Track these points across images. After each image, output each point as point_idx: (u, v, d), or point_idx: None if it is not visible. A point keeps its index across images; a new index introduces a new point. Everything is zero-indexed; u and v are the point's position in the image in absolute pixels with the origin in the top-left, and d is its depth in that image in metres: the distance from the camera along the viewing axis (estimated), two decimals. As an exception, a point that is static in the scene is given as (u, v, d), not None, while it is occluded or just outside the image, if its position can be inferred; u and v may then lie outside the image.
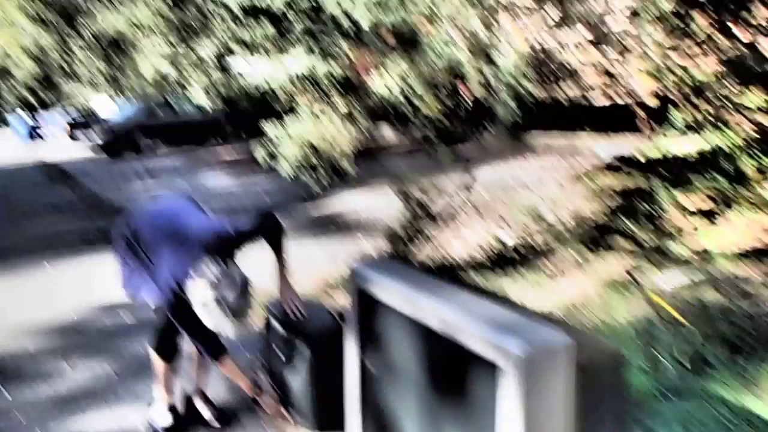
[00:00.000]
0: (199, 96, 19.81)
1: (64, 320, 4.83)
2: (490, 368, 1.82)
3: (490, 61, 3.13)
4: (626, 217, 5.44)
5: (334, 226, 7.15)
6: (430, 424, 2.21)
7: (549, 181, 8.05)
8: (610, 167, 8.04)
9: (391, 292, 2.31)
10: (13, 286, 5.77)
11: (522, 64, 2.92)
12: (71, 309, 5.03)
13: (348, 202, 7.96)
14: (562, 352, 1.81)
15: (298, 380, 3.09)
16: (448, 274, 4.96)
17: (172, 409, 3.28)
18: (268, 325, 3.36)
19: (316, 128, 4.00)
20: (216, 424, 3.25)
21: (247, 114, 20.04)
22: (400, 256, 5.01)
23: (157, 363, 3.25)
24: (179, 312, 2.82)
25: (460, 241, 5.75)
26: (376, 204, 7.91)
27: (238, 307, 2.67)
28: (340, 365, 3.04)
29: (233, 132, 19.34)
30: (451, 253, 5.44)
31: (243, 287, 2.71)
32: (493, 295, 2.24)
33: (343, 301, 4.64)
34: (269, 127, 4.27)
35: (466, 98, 3.70)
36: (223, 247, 2.83)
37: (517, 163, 9.50)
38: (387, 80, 3.38)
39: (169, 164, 14.30)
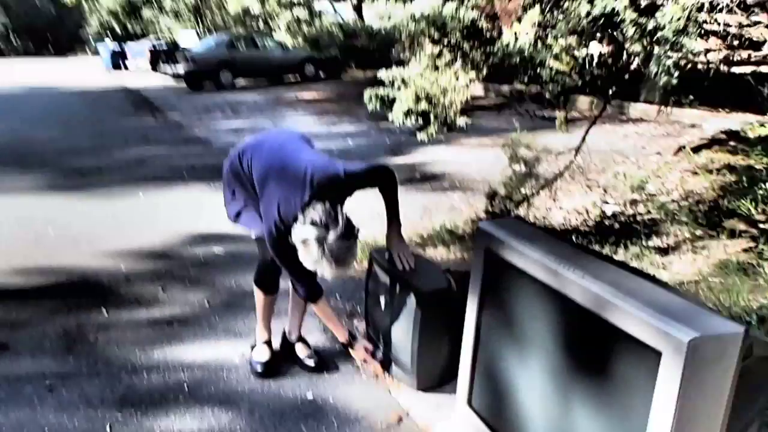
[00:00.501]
0: (283, 33, 19.77)
1: (155, 247, 4.85)
2: (648, 352, 1.66)
3: (650, 16, 2.85)
4: (740, 197, 5.08)
5: (424, 178, 6.97)
6: (557, 397, 2.06)
7: (651, 152, 7.67)
8: (717, 142, 7.59)
9: (524, 255, 2.14)
10: (106, 210, 5.82)
11: (683, 22, 2.64)
12: (163, 237, 5.05)
13: (438, 155, 7.75)
14: (732, 343, 1.63)
15: (402, 336, 2.97)
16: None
17: (269, 345, 3.23)
18: (370, 273, 3.24)
19: (432, 75, 3.79)
20: (311, 365, 3.17)
21: (330, 54, 20.00)
22: (499, 215, 4.81)
23: (258, 296, 3.20)
24: (280, 248, 2.72)
25: (560, 205, 5.51)
26: (467, 159, 7.70)
27: (339, 251, 2.53)
28: (448, 325, 2.91)
29: (314, 72, 19.27)
30: (551, 217, 5.22)
31: (348, 232, 2.56)
32: (639, 272, 2.05)
33: (437, 255, 4.51)
34: (382, 72, 4.08)
35: (611, 55, 3.42)
36: (333, 189, 2.70)
37: (616, 130, 9.09)
38: (523, 28, 3.13)
39: (250, 99, 14.29)
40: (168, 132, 10.08)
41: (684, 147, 7.55)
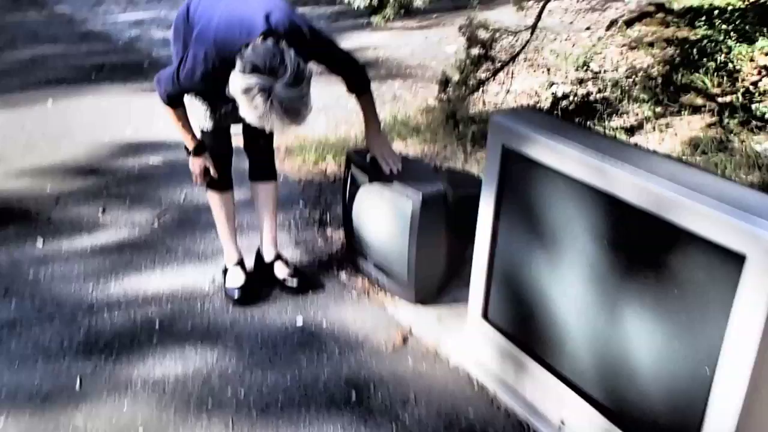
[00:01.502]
0: None
1: (81, 162, 4.29)
2: (726, 255, 1.47)
3: None
4: (692, 70, 4.98)
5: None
6: (602, 306, 1.89)
7: (580, 27, 7.46)
8: (646, 15, 7.44)
9: (556, 152, 1.90)
10: (12, 121, 5.08)
11: None
12: (87, 149, 4.48)
13: (365, 40, 7.26)
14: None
15: (395, 246, 2.71)
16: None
17: (242, 266, 2.91)
18: (348, 177, 2.92)
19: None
20: (294, 285, 2.88)
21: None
22: (452, 102, 4.54)
23: (213, 200, 2.87)
24: (195, 80, 2.33)
25: (508, 88, 5.26)
26: (396, 44, 7.28)
27: (291, 102, 2.09)
28: (446, 231, 2.68)
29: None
30: (507, 102, 4.99)
31: (299, 77, 2.10)
32: (691, 165, 1.85)
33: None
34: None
35: None
36: (288, 42, 2.18)
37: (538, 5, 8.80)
38: None
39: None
40: (59, 27, 9.01)
41: (617, 21, 7.38)
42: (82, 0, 11.67)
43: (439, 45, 7.12)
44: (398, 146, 4.28)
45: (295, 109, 2.12)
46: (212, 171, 2.71)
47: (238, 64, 2.10)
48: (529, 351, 2.16)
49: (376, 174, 2.71)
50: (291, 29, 2.27)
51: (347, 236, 3.05)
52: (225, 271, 2.91)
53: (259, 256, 3.00)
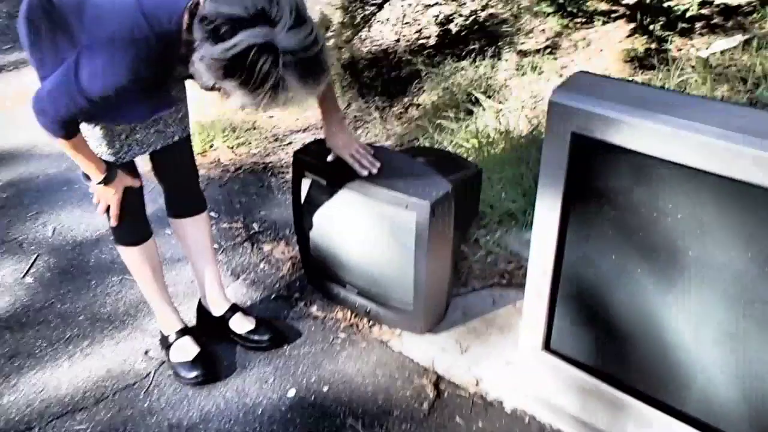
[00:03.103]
0: None
1: None
2: None
3: None
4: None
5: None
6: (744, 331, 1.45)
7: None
8: None
9: (658, 135, 1.40)
10: None
11: None
12: None
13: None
14: None
15: (392, 267, 2.12)
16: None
17: (189, 332, 2.17)
18: (299, 184, 2.23)
19: None
20: (266, 339, 2.19)
21: None
22: (341, 48, 3.87)
23: (130, 258, 2.07)
24: (110, 76, 1.52)
25: (380, 19, 4.63)
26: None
27: (306, 53, 1.41)
28: (450, 241, 2.12)
29: None
30: (387, 37, 4.38)
31: (299, 12, 1.40)
32: None
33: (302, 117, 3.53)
34: None
35: None
36: None
37: None
38: None
39: None
40: None
41: None
42: None
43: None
44: (290, 116, 3.58)
45: (313, 61, 1.42)
46: (113, 221, 1.92)
47: (201, 34, 1.37)
48: (625, 388, 1.71)
49: (346, 179, 2.06)
50: None
51: (304, 257, 2.38)
52: (165, 342, 2.15)
53: (201, 309, 2.27)
